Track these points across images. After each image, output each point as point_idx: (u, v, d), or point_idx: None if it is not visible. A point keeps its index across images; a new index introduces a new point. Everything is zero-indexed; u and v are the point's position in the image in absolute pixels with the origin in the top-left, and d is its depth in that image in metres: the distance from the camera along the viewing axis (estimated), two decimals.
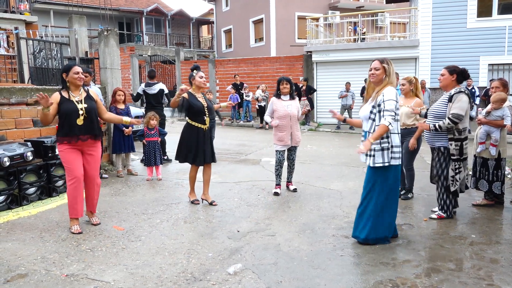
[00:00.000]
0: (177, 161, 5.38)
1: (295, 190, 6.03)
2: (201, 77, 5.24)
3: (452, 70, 4.65)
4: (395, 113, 3.80)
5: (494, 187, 5.14)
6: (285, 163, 6.04)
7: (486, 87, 12.57)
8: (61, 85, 4.47)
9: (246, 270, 3.50)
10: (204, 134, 5.22)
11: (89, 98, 4.47)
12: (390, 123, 3.75)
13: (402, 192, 5.69)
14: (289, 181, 6.15)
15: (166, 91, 8.20)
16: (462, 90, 4.57)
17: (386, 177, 3.92)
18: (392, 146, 3.85)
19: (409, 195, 5.63)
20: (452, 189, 4.68)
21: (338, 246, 4.01)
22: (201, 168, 5.43)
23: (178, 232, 4.42)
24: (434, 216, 4.84)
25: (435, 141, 4.72)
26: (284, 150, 5.93)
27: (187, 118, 5.26)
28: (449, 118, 4.48)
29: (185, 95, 5.10)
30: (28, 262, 3.65)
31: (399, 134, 3.93)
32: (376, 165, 3.87)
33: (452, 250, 3.92)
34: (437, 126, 4.56)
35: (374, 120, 3.88)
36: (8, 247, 4.00)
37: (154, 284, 3.25)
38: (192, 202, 5.43)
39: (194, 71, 5.26)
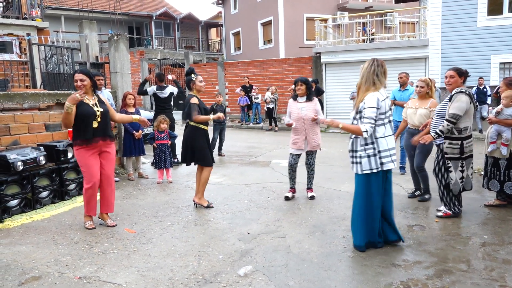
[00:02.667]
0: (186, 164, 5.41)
1: (312, 197, 5.73)
2: (201, 81, 5.32)
3: (461, 72, 4.70)
4: (375, 119, 3.70)
5: (506, 187, 5.09)
6: (301, 170, 5.90)
7: (497, 86, 12.43)
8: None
9: (256, 272, 3.51)
10: (208, 135, 5.34)
11: (101, 102, 4.63)
12: (366, 131, 3.68)
13: (416, 193, 5.73)
14: (308, 187, 5.87)
15: (175, 93, 8.26)
16: (463, 90, 4.59)
17: (376, 182, 3.83)
18: (379, 152, 3.76)
19: (426, 196, 5.61)
20: (451, 187, 4.73)
21: (348, 248, 4.00)
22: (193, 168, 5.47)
23: (188, 234, 4.45)
24: (440, 214, 4.87)
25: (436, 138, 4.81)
26: (299, 155, 5.69)
27: (189, 121, 5.26)
28: (447, 120, 4.55)
29: (196, 101, 5.18)
30: (41, 264, 3.71)
31: (386, 138, 3.80)
32: (365, 172, 3.79)
33: (464, 251, 3.89)
34: (439, 132, 4.59)
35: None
36: (22, 250, 4.07)
37: (166, 286, 3.28)
38: (208, 207, 5.35)
39: (192, 75, 5.30)
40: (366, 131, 3.70)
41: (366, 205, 3.87)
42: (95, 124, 4.45)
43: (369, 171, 3.78)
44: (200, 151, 5.24)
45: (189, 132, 5.27)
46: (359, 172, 3.84)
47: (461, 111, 4.49)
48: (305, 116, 5.51)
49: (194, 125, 5.21)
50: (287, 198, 5.71)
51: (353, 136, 3.88)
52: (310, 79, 14.98)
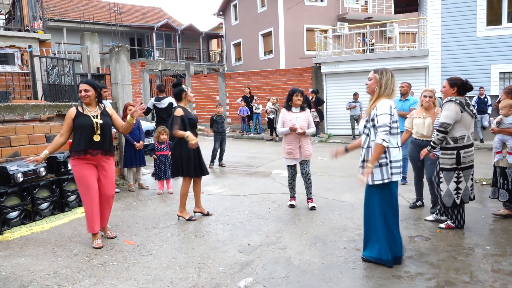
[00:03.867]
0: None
1: (312, 208, 5.70)
2: (191, 92, 5.46)
3: (453, 82, 4.68)
4: (390, 127, 3.62)
5: None
6: (301, 179, 5.86)
7: (498, 95, 12.44)
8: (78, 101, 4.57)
9: (257, 284, 3.48)
10: (198, 147, 5.27)
11: (104, 114, 4.55)
12: (383, 140, 3.58)
13: (418, 204, 5.70)
14: (308, 198, 5.83)
15: (175, 104, 8.25)
16: (452, 99, 4.57)
17: (387, 194, 3.75)
18: (391, 162, 3.67)
19: (417, 204, 5.64)
20: (442, 199, 4.71)
21: (349, 259, 3.97)
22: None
23: (188, 246, 4.42)
24: (442, 225, 4.82)
25: (435, 150, 4.82)
26: (295, 165, 5.79)
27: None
28: (436, 129, 4.57)
29: (181, 112, 5.20)
30: (40, 277, 3.68)
31: (400, 148, 3.77)
32: (376, 182, 3.70)
33: (466, 262, 3.85)
34: (432, 144, 4.61)
35: (368, 135, 3.77)
36: (21, 262, 4.04)
37: None
38: (189, 220, 5.30)
39: (183, 86, 5.38)
40: (384, 140, 3.58)
41: (380, 215, 3.76)
42: (96, 138, 4.38)
43: (380, 182, 3.69)
44: (186, 162, 5.20)
45: (175, 143, 5.30)
46: (370, 183, 3.74)
47: (449, 119, 4.46)
48: (300, 126, 5.58)
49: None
50: (291, 206, 5.83)
51: (365, 146, 3.79)
52: (311, 89, 15.13)
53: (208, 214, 5.50)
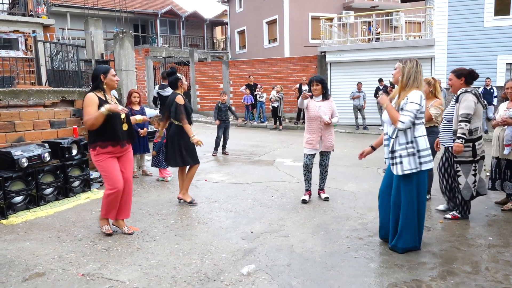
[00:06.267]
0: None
1: (326, 199, 5.60)
2: (186, 80, 5.48)
3: (459, 73, 4.62)
4: (416, 116, 3.62)
5: None
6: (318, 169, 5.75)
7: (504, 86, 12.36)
8: (92, 87, 4.19)
9: (259, 271, 3.50)
10: (180, 138, 5.31)
11: (119, 102, 4.36)
12: (403, 122, 3.58)
13: (427, 196, 5.56)
14: (320, 189, 5.74)
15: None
16: (468, 90, 4.54)
17: (416, 183, 3.74)
18: (419, 151, 3.66)
19: (427, 196, 5.57)
20: (462, 192, 4.67)
21: (352, 248, 3.99)
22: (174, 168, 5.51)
23: (192, 232, 4.45)
24: (448, 216, 4.82)
25: (445, 141, 4.77)
26: (313, 155, 5.52)
27: (174, 120, 5.27)
28: (461, 120, 4.43)
29: (183, 100, 5.26)
30: (45, 261, 3.72)
31: (424, 137, 3.73)
32: (405, 172, 3.67)
33: (468, 253, 3.86)
34: (462, 136, 4.42)
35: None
36: (26, 246, 4.08)
37: (169, 284, 3.28)
38: (191, 203, 5.41)
39: (178, 74, 5.41)
40: (403, 123, 3.59)
41: (414, 204, 3.76)
42: (125, 127, 4.20)
43: (409, 171, 3.67)
44: (190, 151, 5.31)
45: (174, 132, 5.30)
46: (400, 173, 3.71)
47: (471, 109, 4.42)
48: (323, 115, 5.35)
49: (179, 124, 5.24)
50: (304, 201, 5.49)
51: (394, 135, 3.76)
52: None
53: (191, 203, 5.44)
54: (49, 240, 4.25)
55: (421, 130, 3.73)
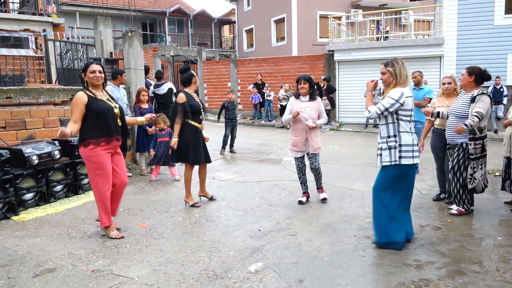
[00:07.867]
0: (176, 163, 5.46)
1: (324, 200, 5.46)
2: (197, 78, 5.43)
3: (471, 71, 4.73)
4: (387, 109, 3.77)
5: None
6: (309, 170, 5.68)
7: None
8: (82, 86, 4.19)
9: (267, 269, 3.52)
10: (201, 133, 5.29)
11: (113, 99, 4.33)
12: (368, 111, 3.87)
13: (441, 196, 5.51)
14: (318, 188, 5.58)
15: (175, 90, 8.20)
16: (485, 92, 4.65)
17: (397, 177, 3.85)
18: (400, 145, 3.79)
19: (441, 196, 5.54)
20: (470, 186, 4.75)
21: (359, 247, 3.99)
22: (195, 167, 5.41)
23: (200, 230, 4.48)
24: (454, 211, 4.87)
25: (456, 137, 4.78)
26: (302, 156, 5.42)
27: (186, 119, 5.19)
28: (474, 115, 4.51)
29: (184, 99, 5.11)
30: (55, 257, 3.77)
31: (409, 133, 3.83)
32: (384, 163, 3.86)
33: (477, 252, 3.85)
34: (468, 125, 4.50)
35: (382, 124, 3.93)
36: (37, 242, 4.14)
37: (177, 281, 3.31)
38: (193, 206, 5.30)
39: (191, 71, 5.33)
40: (369, 111, 3.88)
41: (379, 197, 3.92)
42: (119, 122, 4.18)
43: (388, 163, 3.83)
44: (184, 149, 5.18)
45: (187, 131, 5.18)
46: (379, 164, 3.91)
47: (485, 110, 4.55)
48: (308, 116, 5.20)
49: (190, 122, 5.18)
50: (300, 203, 5.41)
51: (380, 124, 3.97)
52: (322, 77, 15.01)
53: (212, 199, 5.57)
54: (59, 236, 4.30)
55: (406, 126, 3.84)
